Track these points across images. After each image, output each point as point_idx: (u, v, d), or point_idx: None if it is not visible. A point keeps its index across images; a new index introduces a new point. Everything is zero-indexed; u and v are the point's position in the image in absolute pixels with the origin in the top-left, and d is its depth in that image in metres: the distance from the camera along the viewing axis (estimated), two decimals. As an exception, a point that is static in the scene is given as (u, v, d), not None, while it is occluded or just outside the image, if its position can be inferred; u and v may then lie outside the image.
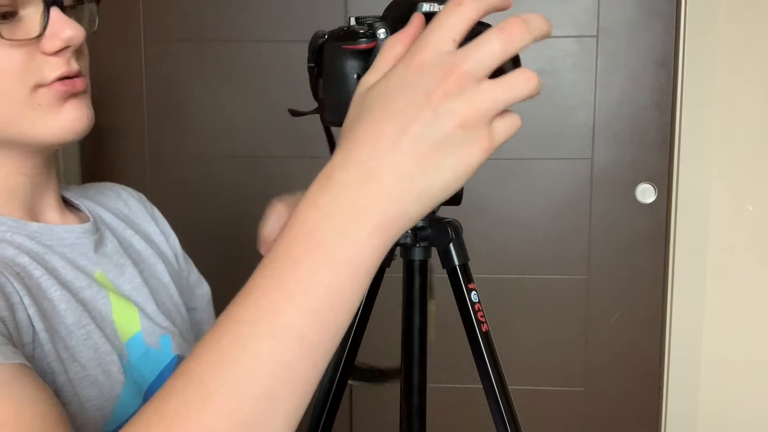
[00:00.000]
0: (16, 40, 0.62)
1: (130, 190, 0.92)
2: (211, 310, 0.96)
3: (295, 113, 0.75)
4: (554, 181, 2.02)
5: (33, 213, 0.72)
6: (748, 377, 2.00)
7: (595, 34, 1.96)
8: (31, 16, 0.63)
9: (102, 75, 2.15)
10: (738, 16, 1.87)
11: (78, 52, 0.67)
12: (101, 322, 0.69)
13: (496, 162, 1.98)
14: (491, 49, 0.44)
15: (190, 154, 2.09)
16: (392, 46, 0.51)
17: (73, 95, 0.67)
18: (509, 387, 0.76)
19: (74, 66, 0.66)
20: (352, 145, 0.46)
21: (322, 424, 0.76)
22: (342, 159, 0.46)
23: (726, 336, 1.98)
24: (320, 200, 0.46)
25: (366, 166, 0.45)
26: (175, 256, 0.91)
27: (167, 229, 0.92)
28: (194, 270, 0.96)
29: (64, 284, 0.68)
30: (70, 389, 0.62)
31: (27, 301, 0.62)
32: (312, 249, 0.45)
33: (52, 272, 0.67)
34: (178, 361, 0.75)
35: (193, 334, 0.85)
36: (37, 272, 0.66)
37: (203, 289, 0.96)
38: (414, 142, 0.44)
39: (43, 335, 0.61)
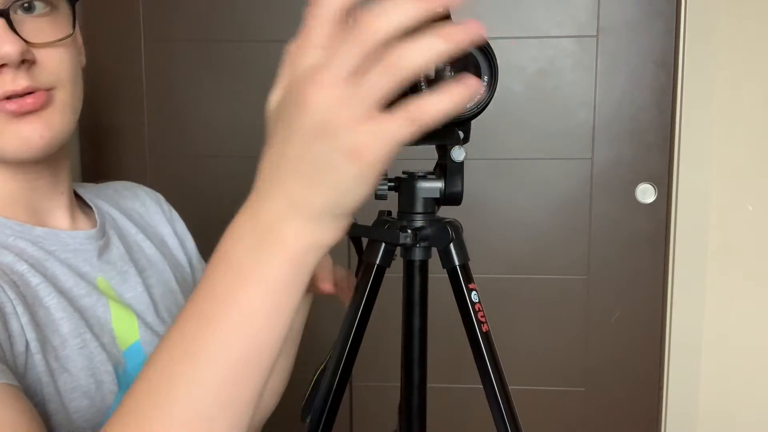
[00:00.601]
0: None
1: (147, 190, 0.91)
2: None
3: None
4: (554, 181, 2.02)
5: (39, 216, 0.71)
6: (749, 377, 2.00)
7: (595, 34, 1.96)
8: None
9: (102, 75, 2.14)
10: (738, 17, 1.87)
11: (31, 65, 0.63)
12: (99, 330, 0.69)
13: (496, 162, 1.98)
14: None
15: (190, 154, 2.09)
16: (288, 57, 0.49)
17: (29, 112, 0.63)
18: (509, 387, 0.76)
19: (20, 83, 0.62)
20: (258, 167, 0.48)
21: (322, 424, 0.76)
22: (254, 181, 0.48)
23: (726, 336, 1.98)
24: (233, 226, 0.48)
25: (260, 190, 0.47)
26: (189, 259, 0.90)
27: (183, 232, 0.91)
28: None
29: (62, 292, 0.67)
30: (57, 400, 0.62)
31: (20, 310, 0.61)
32: (226, 272, 0.46)
33: (51, 279, 0.67)
34: None
35: None
36: (35, 280, 0.65)
37: None
38: (292, 164, 0.45)
39: (33, 345, 0.61)
